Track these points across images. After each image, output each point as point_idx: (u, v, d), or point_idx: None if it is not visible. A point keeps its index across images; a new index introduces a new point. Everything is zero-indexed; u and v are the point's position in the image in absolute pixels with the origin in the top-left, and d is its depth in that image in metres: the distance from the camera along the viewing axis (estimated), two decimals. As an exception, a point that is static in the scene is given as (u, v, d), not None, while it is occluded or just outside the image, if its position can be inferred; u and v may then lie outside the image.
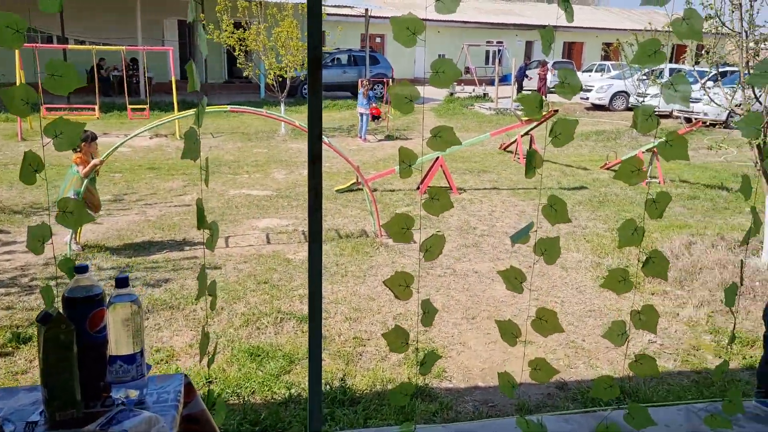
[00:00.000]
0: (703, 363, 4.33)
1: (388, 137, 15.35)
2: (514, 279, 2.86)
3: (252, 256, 6.39)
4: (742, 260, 2.93)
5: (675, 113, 18.42)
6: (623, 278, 2.81)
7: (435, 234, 2.64)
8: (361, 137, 14.70)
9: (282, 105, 15.21)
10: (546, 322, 2.79)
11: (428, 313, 2.81)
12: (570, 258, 6.46)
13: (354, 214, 8.01)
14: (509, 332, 2.88)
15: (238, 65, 15.61)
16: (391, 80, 21.71)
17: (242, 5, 14.49)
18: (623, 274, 2.81)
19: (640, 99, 16.75)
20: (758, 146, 5.79)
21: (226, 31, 14.55)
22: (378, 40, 32.04)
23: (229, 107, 7.40)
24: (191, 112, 7.62)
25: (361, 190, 8.42)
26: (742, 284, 2.95)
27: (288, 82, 15.01)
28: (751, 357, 4.37)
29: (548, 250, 2.72)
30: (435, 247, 2.67)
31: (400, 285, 2.70)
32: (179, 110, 14.43)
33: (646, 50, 2.51)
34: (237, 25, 14.92)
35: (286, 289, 5.48)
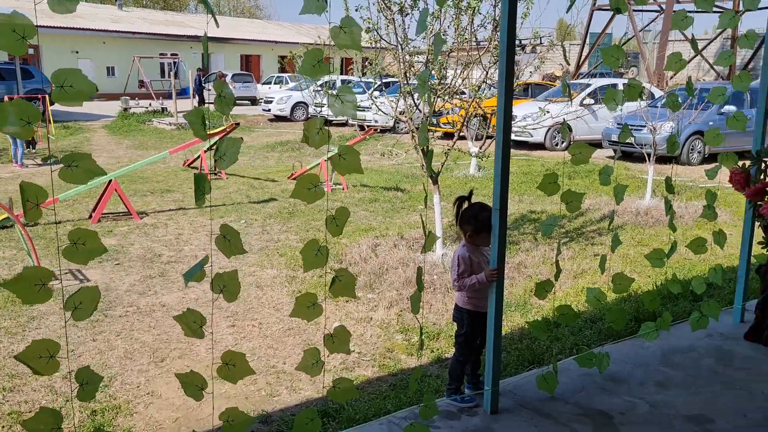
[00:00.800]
0: (398, 364, 4.44)
1: (54, 160, 13.50)
2: (193, 323, 2.47)
3: None
4: (419, 267, 2.97)
5: (350, 121, 19.70)
6: (312, 303, 2.62)
7: (84, 287, 2.11)
8: (16, 163, 12.67)
9: None
10: (234, 366, 2.45)
11: (88, 384, 2.26)
12: (265, 275, 6.25)
13: (8, 255, 6.71)
14: (193, 385, 2.48)
15: None
16: (49, 96, 19.28)
17: None
18: (311, 299, 2.62)
19: (318, 109, 17.53)
20: (423, 150, 6.26)
21: None
22: (31, 51, 28.35)
23: None
24: None
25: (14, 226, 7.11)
26: (421, 290, 2.99)
27: None
28: (438, 349, 4.62)
29: (227, 286, 2.39)
30: (87, 303, 2.14)
31: (41, 357, 2.10)
32: None
33: (310, 60, 2.35)
34: None
35: None
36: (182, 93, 27.04)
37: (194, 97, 23.69)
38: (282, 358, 4.53)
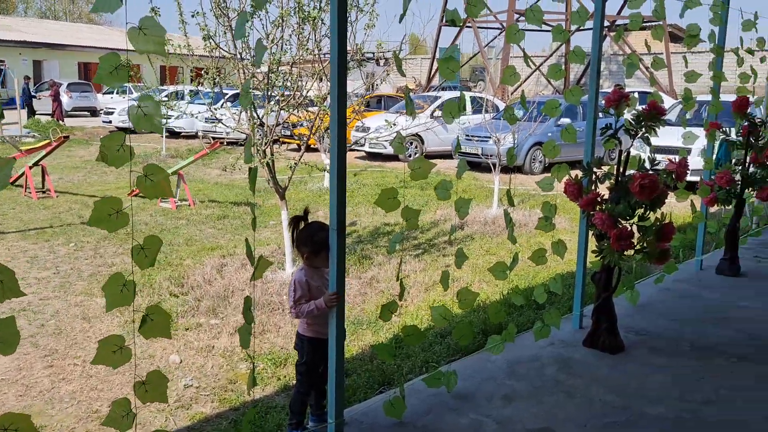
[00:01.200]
0: (240, 397, 4.10)
1: None
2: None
3: None
4: (247, 297, 2.71)
5: (200, 133, 18.83)
6: (119, 347, 2.26)
7: None
8: None
9: None
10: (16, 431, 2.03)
11: None
12: (93, 305, 5.63)
13: None
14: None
15: None
16: None
17: None
18: (117, 342, 2.26)
19: (164, 120, 16.57)
20: (268, 164, 5.96)
21: None
22: None
23: None
24: None
25: None
26: (250, 323, 2.72)
27: None
28: (285, 377, 4.34)
29: (2, 336, 1.96)
30: None
31: None
32: None
33: (106, 66, 2.02)
34: None
35: None
36: (9, 103, 24.60)
37: (25, 107, 21.60)
38: (107, 400, 4.03)
